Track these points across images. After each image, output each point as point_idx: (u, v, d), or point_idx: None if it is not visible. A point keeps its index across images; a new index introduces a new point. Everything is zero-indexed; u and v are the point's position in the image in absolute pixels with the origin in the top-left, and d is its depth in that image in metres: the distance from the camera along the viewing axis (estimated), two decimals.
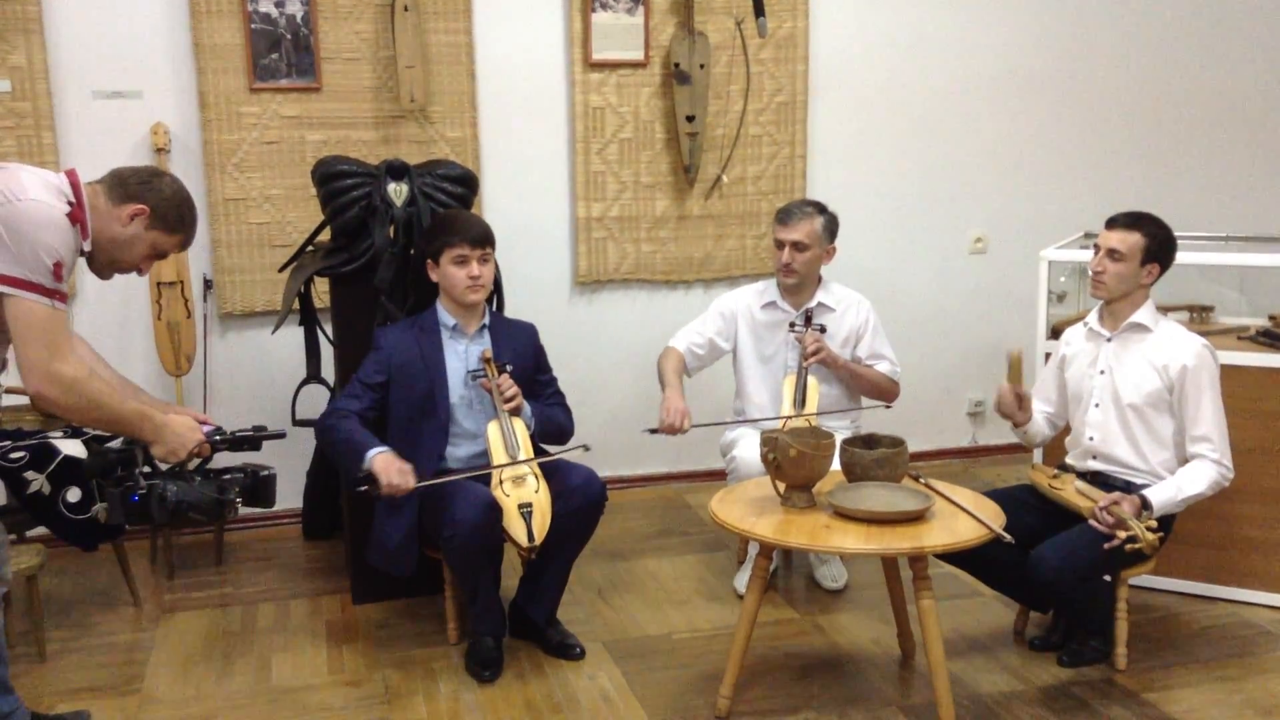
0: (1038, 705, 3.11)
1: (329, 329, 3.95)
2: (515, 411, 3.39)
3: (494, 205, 4.59)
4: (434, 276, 3.44)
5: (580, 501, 3.31)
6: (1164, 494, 3.13)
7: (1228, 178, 5.46)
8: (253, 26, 4.24)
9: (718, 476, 4.30)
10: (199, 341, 4.29)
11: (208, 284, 4.35)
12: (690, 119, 4.67)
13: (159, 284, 4.20)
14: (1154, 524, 3.02)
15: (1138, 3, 5.24)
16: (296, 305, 3.91)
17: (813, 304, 3.85)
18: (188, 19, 4.22)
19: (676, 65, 4.63)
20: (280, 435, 2.98)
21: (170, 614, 3.76)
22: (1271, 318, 3.98)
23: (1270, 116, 5.49)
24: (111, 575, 3.94)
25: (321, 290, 4.09)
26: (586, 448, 3.43)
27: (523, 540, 3.13)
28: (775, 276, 3.91)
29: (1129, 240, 3.22)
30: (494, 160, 4.61)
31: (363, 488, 3.18)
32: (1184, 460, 3.24)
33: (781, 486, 3.07)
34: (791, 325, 3.84)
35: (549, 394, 3.62)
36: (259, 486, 2.87)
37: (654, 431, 3.66)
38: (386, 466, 3.16)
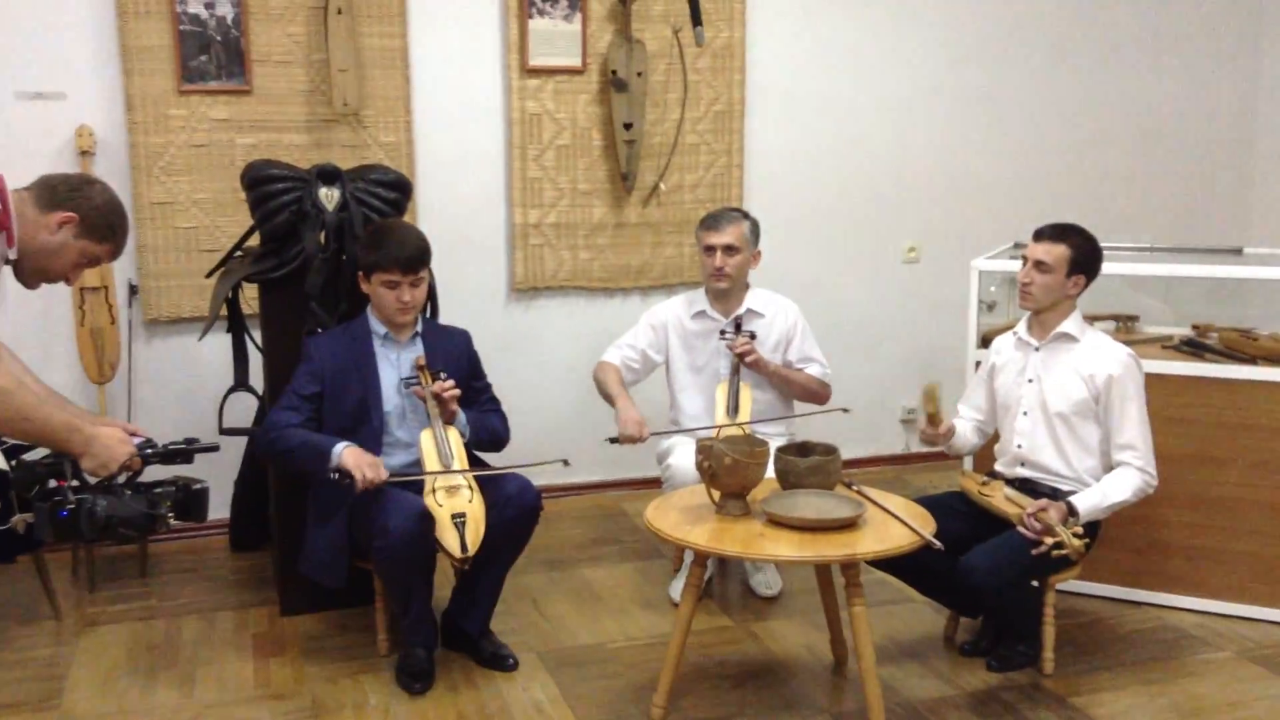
0: (967, 710, 3.14)
1: (258, 336, 3.88)
2: (449, 420, 3.35)
3: (429, 211, 4.55)
4: (364, 289, 3.40)
5: (514, 511, 3.28)
6: (1090, 501, 3.18)
7: (1153, 190, 5.59)
8: (181, 28, 4.16)
9: (654, 485, 4.29)
10: (123, 349, 4.20)
11: (133, 289, 4.26)
12: (628, 126, 4.67)
13: (82, 289, 4.10)
14: (1080, 530, 3.06)
15: (1067, 20, 5.34)
16: (224, 311, 3.84)
17: (741, 310, 3.87)
18: (114, 19, 4.13)
19: (614, 73, 4.63)
20: (213, 448, 2.92)
21: (91, 627, 3.67)
22: (1195, 327, 4.07)
23: (1193, 131, 5.63)
24: (30, 587, 3.82)
25: (250, 296, 4.02)
26: (566, 463, 3.41)
27: (455, 551, 3.10)
28: (704, 285, 3.92)
29: (1055, 252, 3.27)
30: (429, 166, 4.57)
31: (335, 474, 3.14)
32: (1110, 467, 3.30)
33: (716, 494, 3.07)
34: (722, 333, 3.85)
35: (484, 401, 3.59)
36: (191, 500, 2.81)
37: (614, 441, 3.66)
38: (358, 461, 3.13)
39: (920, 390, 3.37)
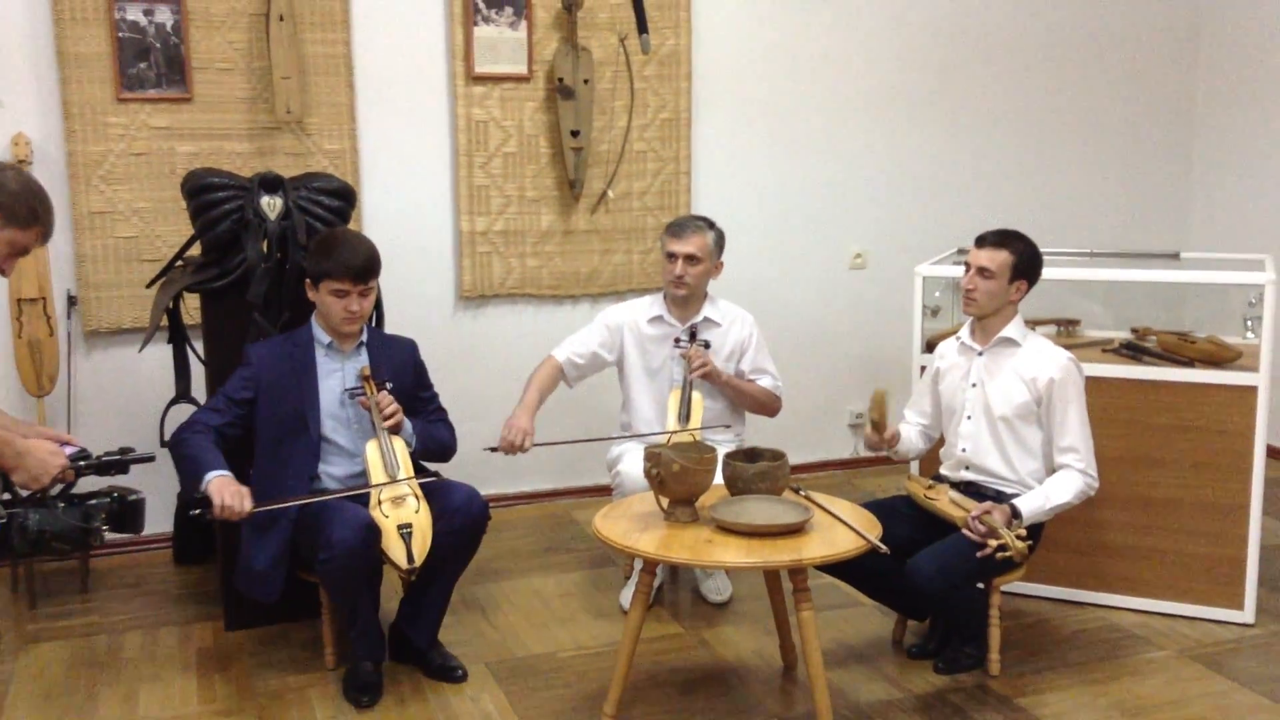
0: (915, 712, 3.16)
1: (199, 347, 3.83)
2: (395, 430, 3.33)
3: (375, 219, 4.51)
4: (311, 297, 3.36)
5: (461, 521, 3.25)
6: (1033, 503, 3.22)
7: (1092, 196, 5.68)
8: (120, 35, 4.10)
9: (604, 492, 4.28)
10: (62, 360, 4.12)
11: (72, 300, 4.19)
12: (575, 134, 4.66)
13: (19, 301, 4.03)
14: (1023, 532, 3.10)
15: (1008, 28, 5.42)
16: (165, 322, 3.79)
17: (699, 319, 3.88)
18: (51, 26, 4.06)
19: (560, 80, 4.62)
20: (149, 459, 2.86)
21: (32, 645, 3.60)
22: (1134, 330, 4.14)
23: (1130, 138, 5.73)
24: None
25: (192, 307, 3.96)
26: (437, 475, 3.35)
27: (402, 562, 3.07)
28: (663, 290, 3.93)
29: (998, 258, 3.32)
30: (374, 173, 4.54)
31: (196, 511, 3.07)
32: (1052, 470, 3.34)
33: (665, 501, 3.08)
34: (677, 341, 3.86)
35: (430, 410, 3.56)
36: (126, 512, 2.74)
37: (493, 450, 3.61)
38: (220, 489, 3.04)
39: (870, 396, 3.38)
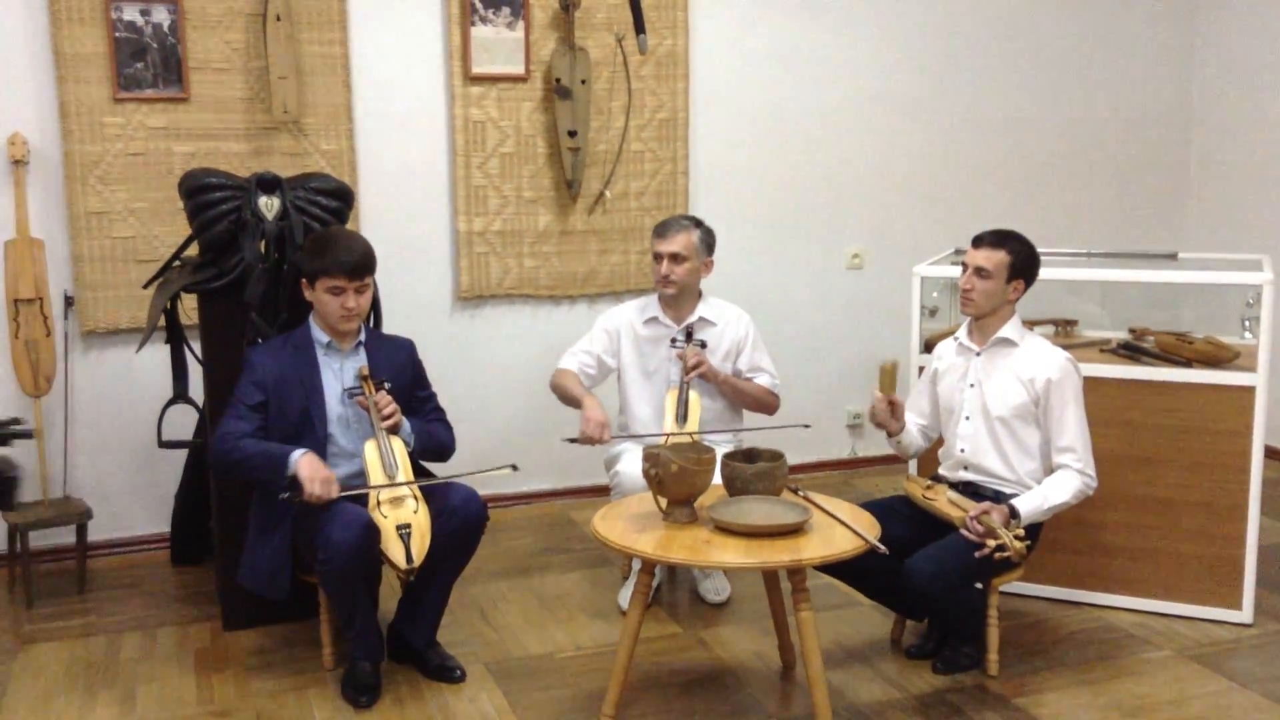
0: (914, 713, 3.16)
1: (197, 347, 3.82)
2: (394, 430, 3.33)
3: (372, 219, 4.51)
4: (308, 296, 3.36)
5: (460, 522, 3.25)
6: (1031, 503, 3.22)
7: (1090, 196, 5.69)
8: (116, 35, 4.09)
9: (602, 492, 4.28)
10: (59, 361, 4.11)
11: (69, 301, 4.18)
12: (572, 134, 4.66)
13: (16, 301, 4.02)
14: (1021, 533, 3.10)
15: (1005, 29, 5.42)
16: (162, 322, 3.78)
17: (693, 319, 3.88)
18: (47, 26, 4.05)
19: (558, 80, 4.62)
20: (28, 435, 2.77)
21: (29, 645, 3.59)
22: (1132, 331, 4.14)
23: (1126, 139, 5.73)
24: None
25: (189, 307, 3.96)
26: (515, 467, 3.39)
27: (401, 562, 3.07)
28: (656, 291, 3.93)
29: (995, 258, 3.32)
30: (372, 173, 4.53)
31: (284, 495, 3.09)
32: (1050, 470, 3.34)
33: (663, 502, 3.08)
34: (673, 341, 3.86)
35: (428, 410, 3.56)
36: (1, 487, 2.69)
37: (573, 440, 3.64)
38: (312, 474, 3.09)
39: (879, 367, 3.37)
